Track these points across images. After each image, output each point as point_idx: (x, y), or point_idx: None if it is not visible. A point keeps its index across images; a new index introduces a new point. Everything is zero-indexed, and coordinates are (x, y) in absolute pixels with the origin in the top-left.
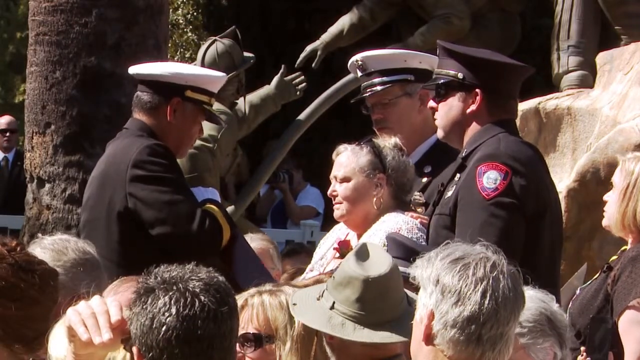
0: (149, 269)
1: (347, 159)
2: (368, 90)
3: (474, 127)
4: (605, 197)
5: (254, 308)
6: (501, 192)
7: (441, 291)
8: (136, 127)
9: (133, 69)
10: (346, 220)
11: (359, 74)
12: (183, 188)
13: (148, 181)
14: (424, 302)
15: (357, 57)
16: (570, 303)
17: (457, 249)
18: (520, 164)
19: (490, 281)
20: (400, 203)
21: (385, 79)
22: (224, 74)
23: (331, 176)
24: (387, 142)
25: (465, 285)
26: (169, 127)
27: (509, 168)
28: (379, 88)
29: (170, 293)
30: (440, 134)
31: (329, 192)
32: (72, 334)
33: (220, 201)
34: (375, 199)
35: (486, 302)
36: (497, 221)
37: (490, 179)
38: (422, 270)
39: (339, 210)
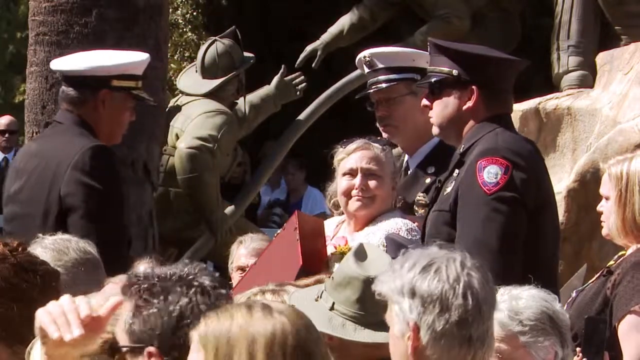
0: (134, 271)
1: (379, 157)
2: (373, 86)
3: (470, 123)
4: (599, 208)
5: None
6: (502, 186)
7: (421, 302)
8: (71, 121)
9: (55, 65)
10: (362, 215)
11: (366, 70)
12: (115, 201)
13: (82, 187)
14: (404, 316)
15: (365, 53)
16: (566, 306)
17: (419, 255)
18: (521, 158)
19: (465, 280)
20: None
21: (391, 76)
22: (147, 55)
23: (352, 168)
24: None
25: (445, 291)
26: (100, 118)
27: (510, 162)
28: (384, 85)
29: (192, 290)
30: (435, 131)
31: (358, 184)
32: (43, 335)
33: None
34: (393, 199)
35: (469, 302)
36: (499, 216)
37: (491, 173)
38: (391, 283)
39: (362, 203)
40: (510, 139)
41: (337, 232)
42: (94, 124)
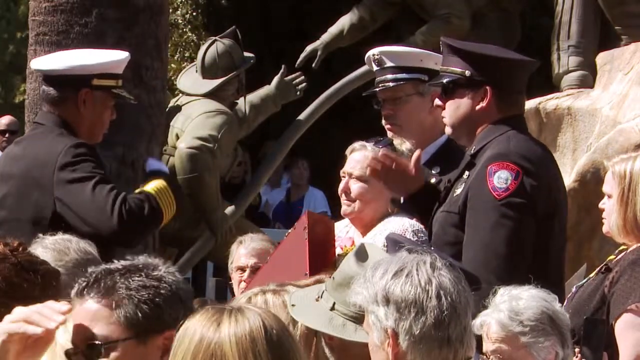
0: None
1: (366, 159)
2: (381, 85)
3: (483, 124)
4: (600, 205)
5: (259, 307)
6: (512, 192)
7: (396, 309)
8: (52, 122)
9: (35, 65)
10: (354, 218)
11: (375, 67)
12: (106, 185)
13: (73, 184)
14: (381, 324)
15: (375, 51)
16: (566, 301)
17: (389, 262)
18: (531, 164)
19: (437, 281)
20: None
21: (399, 75)
22: (127, 53)
23: (343, 171)
24: (404, 145)
25: (418, 295)
26: (81, 117)
27: (520, 168)
28: (391, 84)
29: (162, 273)
30: (448, 131)
31: (341, 188)
32: (6, 349)
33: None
34: (389, 203)
35: (443, 302)
36: (508, 222)
37: (501, 178)
38: (365, 293)
39: (349, 207)
40: (522, 143)
41: (347, 233)
42: (75, 124)
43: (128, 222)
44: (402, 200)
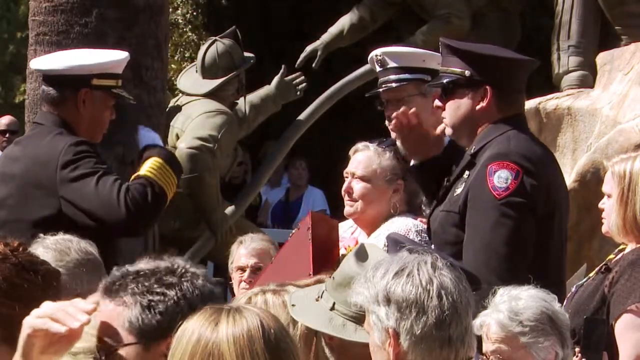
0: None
1: (369, 159)
2: (384, 85)
3: (483, 124)
4: (600, 205)
5: (257, 307)
6: (512, 191)
7: (397, 308)
8: (51, 122)
9: (35, 65)
10: (357, 218)
11: (378, 68)
12: (109, 178)
13: (77, 181)
14: (382, 324)
15: (377, 51)
16: (566, 301)
17: (390, 262)
18: (532, 164)
19: (438, 281)
20: (412, 208)
21: (402, 76)
22: (126, 53)
23: (346, 172)
24: None
25: (419, 294)
26: (81, 117)
27: (520, 167)
28: (394, 85)
29: (185, 278)
30: (449, 132)
31: (344, 188)
32: (31, 343)
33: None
34: (391, 203)
35: (444, 302)
36: (508, 221)
37: (501, 178)
38: (366, 293)
39: (352, 207)
40: (522, 143)
41: (352, 234)
42: (75, 123)
43: (134, 211)
44: (411, 163)
